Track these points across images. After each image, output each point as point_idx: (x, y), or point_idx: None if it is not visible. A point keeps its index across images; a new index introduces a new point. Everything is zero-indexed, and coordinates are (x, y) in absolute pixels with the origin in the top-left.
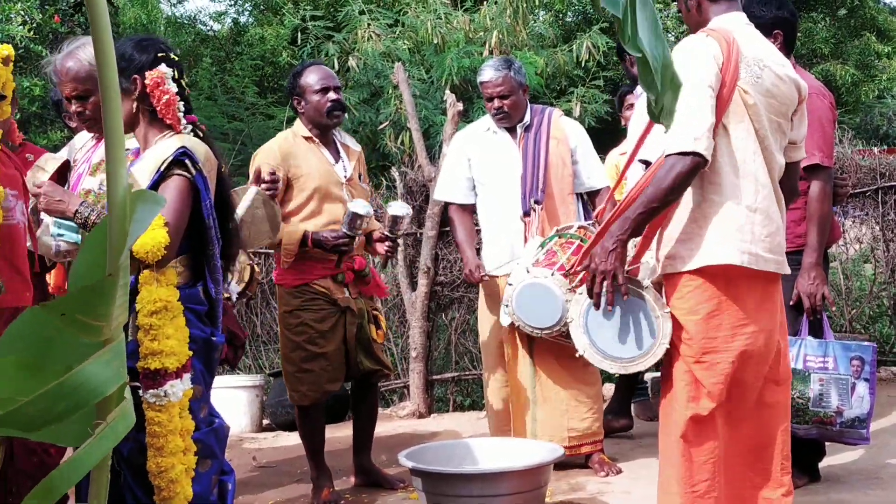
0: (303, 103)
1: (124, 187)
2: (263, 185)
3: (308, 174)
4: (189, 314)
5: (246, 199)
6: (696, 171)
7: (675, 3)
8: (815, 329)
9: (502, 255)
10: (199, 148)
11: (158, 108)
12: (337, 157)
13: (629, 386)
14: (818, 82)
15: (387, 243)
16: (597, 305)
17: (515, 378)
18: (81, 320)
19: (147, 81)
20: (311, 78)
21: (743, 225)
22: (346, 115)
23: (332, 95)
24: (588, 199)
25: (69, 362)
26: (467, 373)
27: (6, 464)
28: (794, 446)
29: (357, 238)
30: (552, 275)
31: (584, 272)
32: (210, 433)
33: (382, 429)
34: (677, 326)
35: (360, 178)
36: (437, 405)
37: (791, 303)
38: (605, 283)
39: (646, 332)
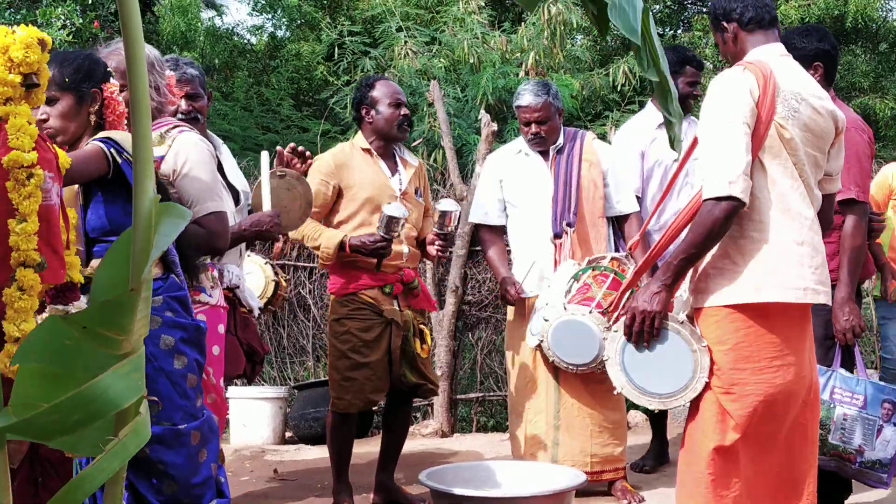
0: (372, 113)
1: (150, 199)
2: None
3: (360, 184)
4: (174, 303)
5: (265, 191)
6: (733, 214)
7: (713, 34)
8: (847, 362)
9: (532, 277)
10: (128, 138)
11: (110, 119)
12: (394, 170)
13: (663, 440)
14: (857, 116)
15: (437, 243)
16: (636, 345)
17: (539, 401)
18: (103, 333)
19: (105, 94)
20: (385, 90)
21: (792, 259)
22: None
23: (403, 111)
24: (617, 224)
25: (88, 372)
26: (492, 393)
27: (32, 452)
28: (820, 481)
29: (394, 240)
30: (590, 312)
31: (622, 310)
32: (205, 422)
33: (405, 446)
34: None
35: (416, 192)
36: (460, 425)
37: (831, 340)
38: (645, 324)
39: (683, 366)
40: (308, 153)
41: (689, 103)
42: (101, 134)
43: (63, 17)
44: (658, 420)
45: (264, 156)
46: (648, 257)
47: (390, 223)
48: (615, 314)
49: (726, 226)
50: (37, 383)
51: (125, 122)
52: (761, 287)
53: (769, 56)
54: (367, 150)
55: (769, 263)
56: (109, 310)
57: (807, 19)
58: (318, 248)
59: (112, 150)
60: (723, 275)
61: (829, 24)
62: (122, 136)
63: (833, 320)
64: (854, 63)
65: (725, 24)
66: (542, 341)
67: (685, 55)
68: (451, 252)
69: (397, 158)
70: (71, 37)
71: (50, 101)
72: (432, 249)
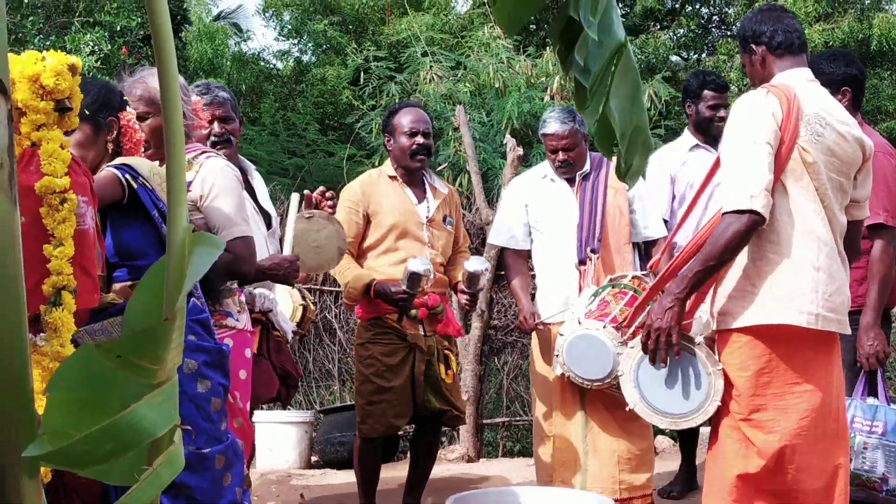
0: (392, 142)
1: (184, 228)
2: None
3: (386, 211)
4: (196, 327)
5: (288, 235)
6: (753, 229)
7: (740, 55)
8: (872, 388)
9: (556, 302)
10: (143, 164)
11: (128, 147)
12: (421, 197)
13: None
14: (884, 141)
15: (465, 298)
16: (652, 361)
17: (567, 427)
18: (137, 363)
19: (122, 122)
20: (404, 119)
21: (806, 284)
22: (431, 158)
23: (419, 140)
24: (645, 249)
25: (122, 401)
26: (518, 418)
27: (58, 480)
28: None
29: (417, 296)
30: (604, 327)
31: (638, 327)
32: (229, 446)
33: (431, 471)
34: (727, 383)
35: (444, 219)
36: (486, 450)
37: (858, 365)
38: (659, 340)
39: (697, 388)
40: (331, 191)
41: (716, 126)
42: (118, 160)
43: (92, 44)
44: (687, 446)
45: (294, 198)
46: (665, 273)
47: (413, 279)
48: (630, 330)
49: (745, 240)
50: (69, 412)
51: (142, 149)
52: (774, 309)
53: (795, 80)
54: (393, 177)
55: (784, 286)
56: (144, 339)
57: (831, 43)
58: (346, 284)
59: (127, 175)
60: (743, 297)
61: (855, 48)
62: (137, 162)
63: (857, 345)
64: (880, 87)
65: (754, 47)
66: (557, 355)
67: (703, 79)
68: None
69: (426, 185)
70: (99, 63)
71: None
72: (462, 298)
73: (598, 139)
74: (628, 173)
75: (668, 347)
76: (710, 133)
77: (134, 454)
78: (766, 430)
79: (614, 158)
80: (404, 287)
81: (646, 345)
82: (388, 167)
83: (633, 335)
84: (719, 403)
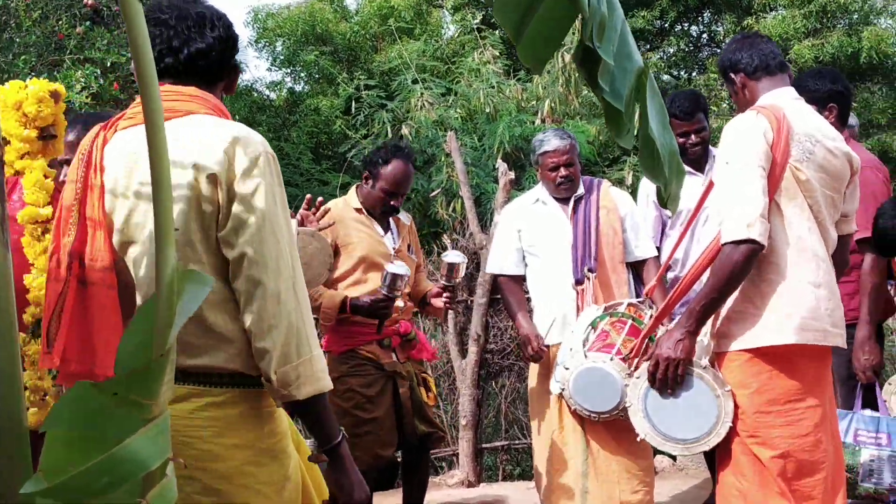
0: (371, 183)
1: (172, 268)
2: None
3: (356, 243)
4: None
5: None
6: (752, 257)
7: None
8: (869, 402)
9: (556, 325)
10: None
11: None
12: (387, 228)
13: None
14: (872, 156)
15: (445, 295)
16: (660, 391)
17: (566, 449)
18: (132, 399)
19: None
20: (391, 174)
21: (809, 302)
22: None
23: (394, 202)
24: (635, 270)
25: (117, 436)
26: (517, 441)
27: None
28: None
29: (397, 300)
30: (611, 359)
31: (644, 358)
32: None
33: (431, 497)
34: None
35: (409, 249)
36: (486, 474)
37: (856, 378)
38: (668, 371)
39: (707, 412)
40: (321, 199)
41: (691, 152)
42: None
43: (83, 80)
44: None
45: None
46: (668, 304)
47: (394, 281)
48: (636, 360)
49: (746, 269)
50: (67, 448)
51: None
52: (780, 330)
53: (781, 100)
54: (359, 210)
55: (787, 306)
56: (138, 377)
57: (821, 58)
58: (318, 307)
59: None
60: (744, 319)
61: (844, 62)
62: None
63: (853, 358)
64: (870, 100)
65: (733, 76)
66: (563, 390)
67: (669, 106)
68: (471, 300)
69: (390, 217)
70: (91, 99)
71: (66, 164)
72: (439, 302)
73: (644, 163)
74: (670, 199)
75: (675, 378)
76: (688, 158)
77: (128, 487)
78: (773, 447)
79: (605, 181)
80: (384, 292)
81: (654, 375)
82: (353, 198)
83: (638, 366)
84: (731, 425)
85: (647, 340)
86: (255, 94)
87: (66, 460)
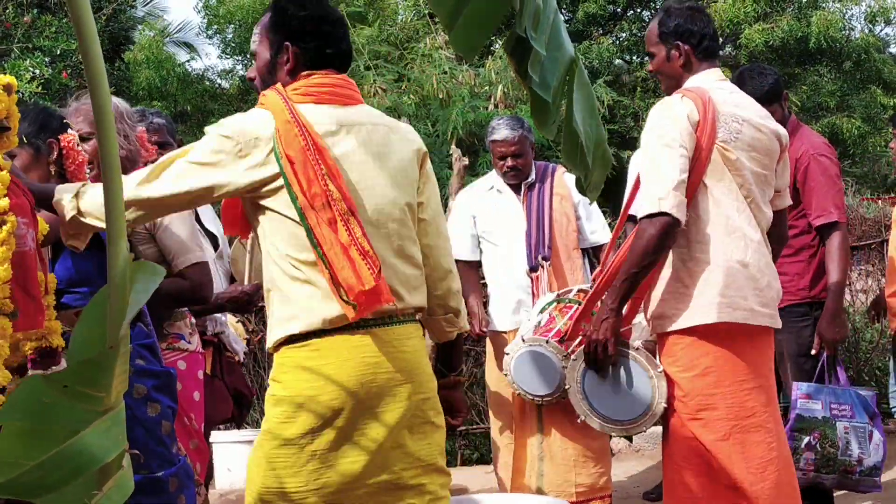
0: None
1: (124, 258)
2: None
3: None
4: (143, 351)
5: (246, 266)
6: (669, 230)
7: (649, 58)
8: (831, 375)
9: (510, 310)
10: None
11: (71, 169)
12: None
13: None
14: (822, 140)
15: None
16: (596, 372)
17: (522, 432)
18: (83, 391)
19: (62, 143)
20: None
21: (735, 281)
22: None
23: None
24: (594, 255)
25: (70, 429)
26: (475, 426)
27: None
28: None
29: None
30: (547, 342)
31: (581, 339)
32: (181, 468)
33: None
34: (671, 384)
35: None
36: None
37: (813, 351)
38: (597, 351)
39: (643, 393)
40: None
41: None
42: None
43: (32, 70)
44: None
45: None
46: (598, 286)
47: None
48: (573, 343)
49: (663, 243)
50: (20, 442)
51: (85, 170)
52: (711, 308)
53: (706, 82)
54: None
55: (716, 285)
56: (89, 368)
57: (770, 42)
58: None
59: None
60: (676, 298)
61: (794, 46)
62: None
63: (823, 332)
64: (820, 83)
65: (680, 44)
66: (506, 374)
67: None
68: None
69: None
70: (41, 88)
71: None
72: None
73: (565, 154)
74: (589, 187)
75: (605, 358)
76: None
77: (84, 481)
78: (715, 429)
79: (559, 167)
80: None
81: (588, 356)
82: None
83: (575, 350)
84: (665, 405)
85: (582, 323)
86: (208, 83)
87: (19, 454)
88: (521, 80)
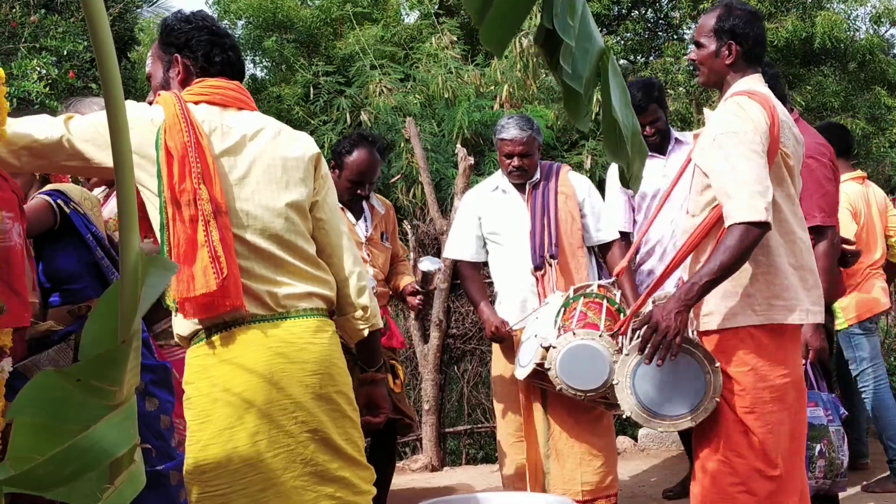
0: (337, 172)
1: (136, 253)
2: None
3: None
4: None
5: None
6: (761, 239)
7: (694, 47)
8: (817, 381)
9: (515, 309)
10: (74, 189)
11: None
12: (359, 216)
13: None
14: (818, 140)
15: (418, 297)
16: (649, 360)
17: (528, 431)
18: (96, 386)
19: None
20: (354, 163)
21: (792, 283)
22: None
23: (360, 191)
24: (599, 253)
25: (82, 423)
26: (480, 426)
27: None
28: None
29: (432, 293)
30: (600, 336)
31: (638, 329)
32: (181, 463)
33: (394, 482)
34: (726, 379)
35: (382, 237)
36: (449, 458)
37: (810, 360)
38: (665, 339)
39: (695, 388)
40: None
41: (649, 141)
42: (48, 187)
43: (39, 69)
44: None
45: None
46: (663, 274)
47: (426, 278)
48: (621, 338)
49: (754, 249)
50: (32, 436)
51: (69, 175)
52: (771, 309)
53: (761, 87)
54: None
55: (775, 287)
56: (102, 363)
57: (775, 42)
58: None
59: (58, 200)
60: (733, 297)
61: (798, 46)
62: (68, 188)
63: (809, 340)
64: (824, 83)
65: (733, 43)
66: (549, 369)
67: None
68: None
69: (364, 205)
70: (47, 88)
71: None
72: (413, 301)
73: (608, 145)
74: (632, 178)
75: (668, 347)
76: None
77: (96, 474)
78: (768, 421)
79: (564, 166)
80: (418, 287)
81: (646, 342)
82: None
83: (631, 337)
84: (718, 401)
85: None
86: None
87: (32, 448)
88: (553, 71)
